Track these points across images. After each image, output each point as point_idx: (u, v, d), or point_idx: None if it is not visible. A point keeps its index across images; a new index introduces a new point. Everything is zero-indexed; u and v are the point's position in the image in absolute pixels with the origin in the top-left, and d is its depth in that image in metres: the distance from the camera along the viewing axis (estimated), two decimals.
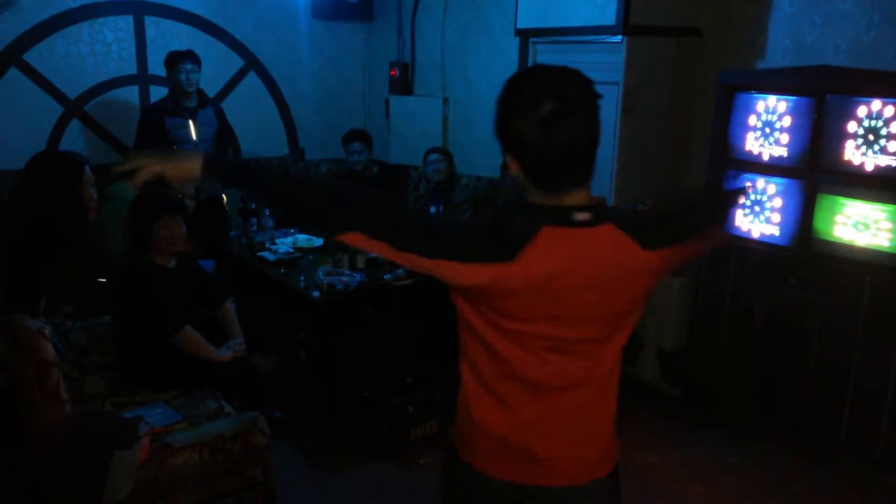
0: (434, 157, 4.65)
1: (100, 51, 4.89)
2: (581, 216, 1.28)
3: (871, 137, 2.92)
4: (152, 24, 5.03)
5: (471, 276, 1.27)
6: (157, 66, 4.86)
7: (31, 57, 4.66)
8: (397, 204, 1.44)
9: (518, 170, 1.30)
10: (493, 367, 1.37)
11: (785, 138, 3.23)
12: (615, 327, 1.38)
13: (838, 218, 3.06)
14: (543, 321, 1.31)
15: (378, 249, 1.32)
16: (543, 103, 1.22)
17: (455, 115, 5.25)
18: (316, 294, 3.39)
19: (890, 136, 2.86)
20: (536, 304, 1.29)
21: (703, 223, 1.54)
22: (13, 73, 4.63)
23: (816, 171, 3.11)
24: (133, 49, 4.99)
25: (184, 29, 5.13)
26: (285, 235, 4.29)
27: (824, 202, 3.09)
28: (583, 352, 1.36)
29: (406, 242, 1.30)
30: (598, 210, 1.30)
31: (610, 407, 1.46)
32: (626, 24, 3.56)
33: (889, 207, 2.90)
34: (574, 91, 1.25)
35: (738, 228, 3.45)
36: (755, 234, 3.39)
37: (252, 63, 5.49)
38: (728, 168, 3.47)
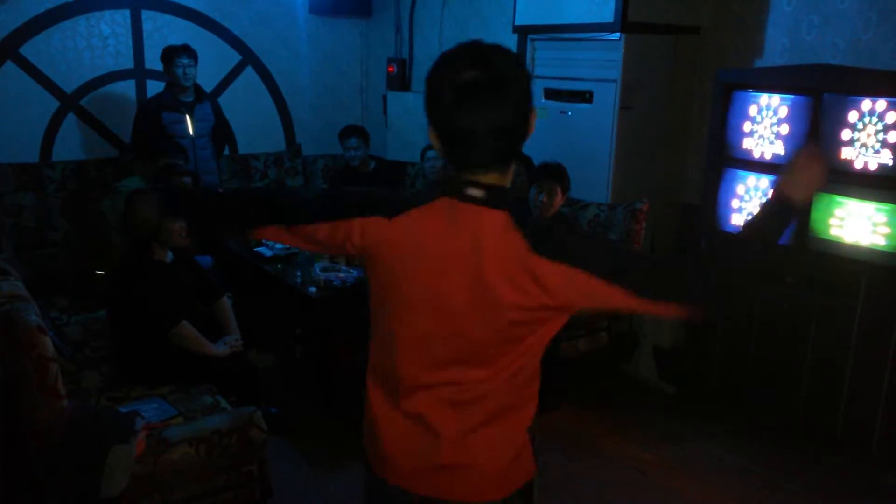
0: (432, 154, 4.64)
1: (96, 45, 4.87)
2: (473, 191, 1.24)
3: (868, 136, 2.93)
4: (149, 19, 5.01)
5: (352, 231, 1.30)
6: (153, 61, 4.84)
7: (27, 50, 4.64)
8: (289, 190, 1.50)
9: (437, 144, 1.28)
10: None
11: (782, 137, 3.23)
12: (499, 333, 1.25)
13: (835, 217, 3.07)
14: (415, 304, 1.29)
15: (273, 236, 1.39)
16: (463, 73, 1.19)
17: None
18: (313, 290, 3.38)
19: (887, 136, 2.86)
20: (403, 269, 1.29)
21: (655, 284, 1.22)
22: (9, 66, 4.60)
23: None
24: (130, 43, 4.97)
25: (180, 23, 5.11)
26: None
27: (821, 201, 3.10)
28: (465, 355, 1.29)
29: (293, 216, 1.36)
30: (496, 193, 1.24)
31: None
32: (625, 22, 3.57)
33: (886, 206, 2.90)
34: (499, 66, 1.19)
35: (734, 227, 3.46)
36: None
37: (249, 58, 5.47)
38: (725, 167, 3.48)
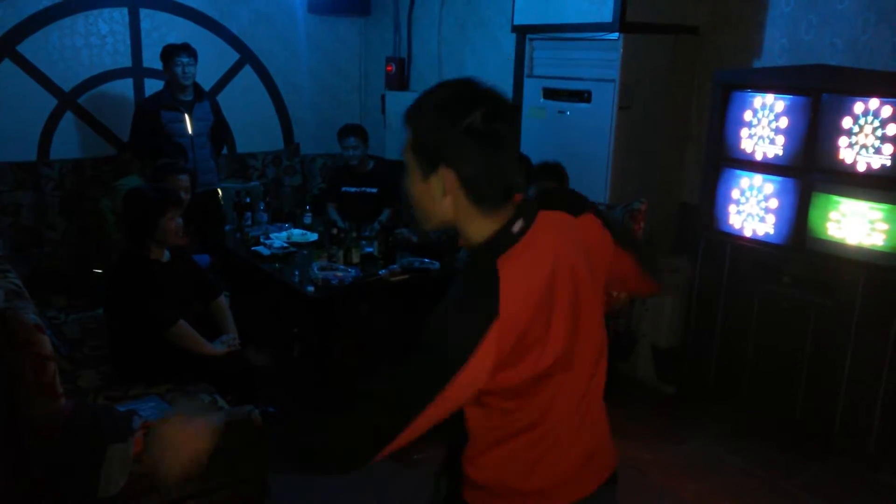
0: None
1: (94, 43, 4.86)
2: (517, 227, 1.22)
3: (866, 137, 2.93)
4: (147, 17, 5.00)
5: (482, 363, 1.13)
6: (152, 60, 4.84)
7: (25, 48, 4.63)
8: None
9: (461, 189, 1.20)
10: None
11: (780, 137, 3.24)
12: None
13: (833, 217, 3.07)
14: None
15: (401, 441, 1.15)
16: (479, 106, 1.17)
17: None
18: (310, 289, 3.38)
19: (885, 136, 2.87)
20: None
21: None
22: (7, 64, 4.60)
23: (811, 170, 3.12)
24: (128, 42, 4.97)
25: (179, 22, 5.10)
26: (280, 230, 4.28)
27: (819, 201, 3.10)
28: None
29: (402, 416, 1.13)
30: (525, 209, 1.25)
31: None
32: (623, 22, 3.57)
33: (883, 206, 2.91)
34: (504, 102, 1.23)
35: (732, 227, 3.47)
36: (750, 233, 3.40)
37: (247, 57, 5.47)
38: (723, 166, 3.48)
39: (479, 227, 1.22)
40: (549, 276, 1.21)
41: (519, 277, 1.17)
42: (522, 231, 1.22)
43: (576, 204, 1.36)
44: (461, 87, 1.20)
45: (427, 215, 1.25)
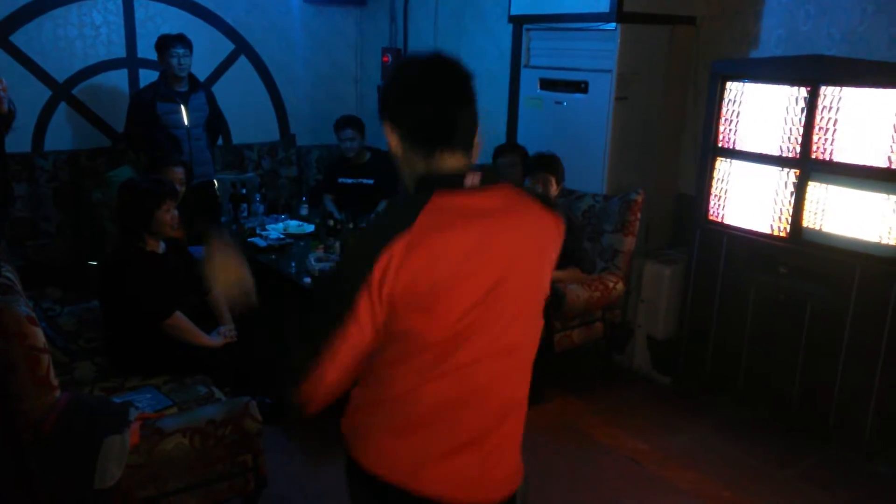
0: None
1: (88, 33, 4.83)
2: (471, 179, 1.27)
3: (863, 128, 2.92)
4: (141, 7, 4.97)
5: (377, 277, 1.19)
6: (146, 50, 4.81)
7: (17, 38, 4.60)
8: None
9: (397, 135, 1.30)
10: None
11: (777, 128, 3.23)
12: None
13: (829, 208, 3.07)
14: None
15: (343, 360, 1.23)
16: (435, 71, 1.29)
17: None
18: (307, 280, 3.38)
19: (882, 127, 2.86)
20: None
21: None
22: (0, 55, 4.56)
23: (808, 161, 3.11)
24: (122, 32, 4.94)
25: (173, 12, 5.07)
26: (276, 221, 4.28)
27: (815, 192, 3.10)
28: None
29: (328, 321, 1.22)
30: (488, 173, 1.30)
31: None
32: (620, 12, 3.55)
33: (880, 197, 2.91)
34: (441, 61, 1.30)
35: (728, 218, 3.46)
36: (746, 224, 3.39)
37: (243, 47, 5.44)
38: (720, 157, 3.47)
39: (421, 169, 1.28)
40: (475, 246, 1.24)
41: (445, 217, 1.21)
42: (473, 187, 1.27)
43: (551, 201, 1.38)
44: (411, 57, 1.36)
45: (400, 172, 1.33)
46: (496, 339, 1.29)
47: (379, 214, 1.31)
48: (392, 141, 1.30)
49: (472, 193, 1.27)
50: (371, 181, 4.71)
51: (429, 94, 1.27)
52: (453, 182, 1.26)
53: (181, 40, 4.34)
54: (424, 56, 1.31)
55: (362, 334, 1.20)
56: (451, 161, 1.27)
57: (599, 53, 3.75)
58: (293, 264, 3.57)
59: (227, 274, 1.48)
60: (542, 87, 4.11)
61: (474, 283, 1.24)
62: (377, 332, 1.22)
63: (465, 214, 1.24)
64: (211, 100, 4.68)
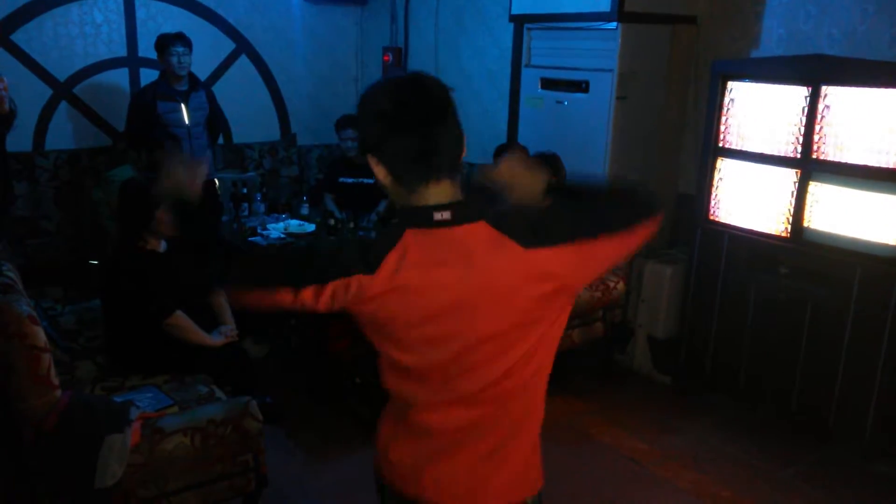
0: None
1: (89, 32, 4.83)
2: (441, 215, 1.24)
3: (864, 127, 2.92)
4: (142, 6, 4.97)
5: (337, 293, 1.29)
6: (147, 49, 4.80)
7: (18, 37, 4.60)
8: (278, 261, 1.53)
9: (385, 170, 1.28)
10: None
11: (778, 127, 3.23)
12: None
13: (830, 207, 3.07)
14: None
15: (284, 301, 1.33)
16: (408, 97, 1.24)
17: None
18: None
19: (883, 127, 2.86)
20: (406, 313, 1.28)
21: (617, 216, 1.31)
22: (1, 53, 4.56)
23: (809, 161, 3.11)
24: (123, 31, 4.93)
25: (174, 11, 5.07)
26: (277, 221, 4.27)
27: (816, 191, 3.10)
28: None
29: (301, 282, 1.31)
30: (460, 209, 1.25)
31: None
32: (622, 11, 3.55)
33: (881, 197, 2.91)
34: (419, 89, 1.25)
35: (729, 217, 3.46)
36: (747, 223, 3.39)
37: (243, 47, 5.44)
38: (721, 157, 3.47)
39: (405, 202, 1.29)
40: (435, 288, 1.24)
41: (412, 256, 1.24)
42: (441, 223, 1.24)
43: (535, 233, 1.23)
44: (382, 83, 1.28)
45: (391, 199, 1.34)
46: (464, 381, 1.32)
47: (365, 244, 1.33)
48: (379, 174, 1.29)
49: (440, 232, 1.24)
50: (371, 181, 4.66)
51: (407, 126, 1.22)
52: (424, 220, 1.25)
53: (181, 39, 4.34)
54: (394, 82, 1.26)
55: (304, 305, 1.31)
56: (435, 192, 1.25)
57: (600, 53, 3.75)
58: None
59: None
60: (542, 87, 4.11)
61: (435, 324, 1.27)
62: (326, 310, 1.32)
63: (431, 256, 1.24)
64: (211, 98, 4.68)
